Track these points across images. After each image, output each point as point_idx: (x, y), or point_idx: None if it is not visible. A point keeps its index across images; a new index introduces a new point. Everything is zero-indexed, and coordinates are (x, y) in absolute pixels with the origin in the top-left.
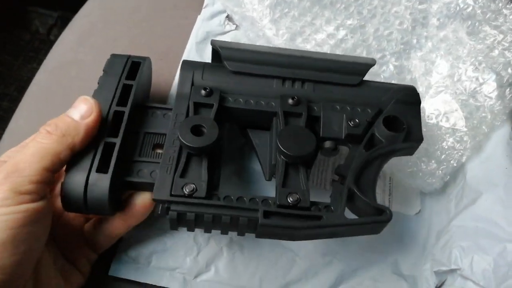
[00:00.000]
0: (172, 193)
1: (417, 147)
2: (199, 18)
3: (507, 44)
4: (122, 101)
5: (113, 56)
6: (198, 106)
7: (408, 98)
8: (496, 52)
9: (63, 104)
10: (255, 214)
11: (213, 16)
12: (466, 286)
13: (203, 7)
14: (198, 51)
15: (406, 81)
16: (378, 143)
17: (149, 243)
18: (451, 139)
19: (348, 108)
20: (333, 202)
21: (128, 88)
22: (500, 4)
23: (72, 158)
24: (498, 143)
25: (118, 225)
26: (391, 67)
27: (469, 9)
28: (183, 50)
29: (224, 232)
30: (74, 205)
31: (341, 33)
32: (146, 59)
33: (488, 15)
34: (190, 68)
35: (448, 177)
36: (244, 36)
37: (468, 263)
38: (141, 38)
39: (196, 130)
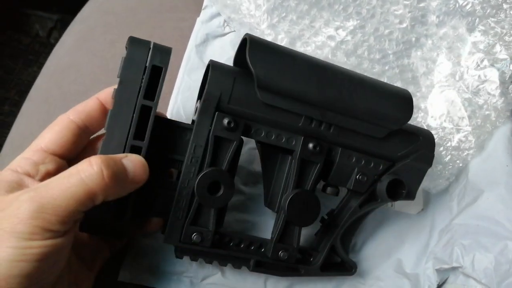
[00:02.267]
0: (182, 240)
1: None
2: (199, 20)
3: (508, 39)
4: (139, 128)
5: (131, 46)
6: (218, 140)
7: (421, 161)
8: (498, 48)
9: (64, 109)
10: (248, 262)
11: (213, 17)
12: (468, 284)
13: (203, 8)
14: (198, 53)
15: (408, 80)
16: (374, 199)
17: (157, 248)
18: (455, 139)
19: (363, 161)
20: (317, 245)
21: (147, 109)
22: None
23: None
24: (499, 140)
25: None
26: (394, 67)
27: (469, 6)
28: (183, 52)
29: (223, 265)
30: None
31: (341, 34)
32: (169, 54)
33: (488, 11)
34: (218, 83)
35: (454, 177)
36: None
37: (469, 261)
38: None
39: (213, 186)
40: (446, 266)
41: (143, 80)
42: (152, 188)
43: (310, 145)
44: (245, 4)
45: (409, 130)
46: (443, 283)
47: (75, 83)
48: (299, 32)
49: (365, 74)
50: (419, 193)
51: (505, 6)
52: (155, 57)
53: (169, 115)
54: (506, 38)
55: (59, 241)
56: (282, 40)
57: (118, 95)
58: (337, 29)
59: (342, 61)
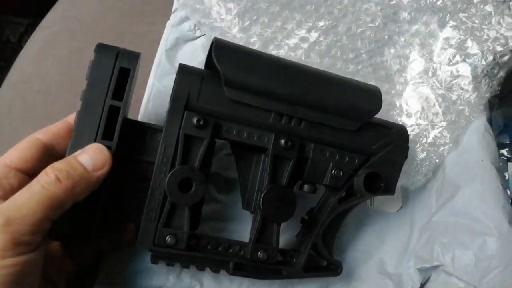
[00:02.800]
0: (155, 242)
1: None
2: (168, 23)
3: (479, 34)
4: (108, 129)
5: (99, 51)
6: (188, 138)
7: (396, 153)
8: (469, 43)
9: (27, 121)
10: (227, 265)
11: (183, 20)
12: (450, 282)
13: (172, 11)
14: (168, 58)
15: (382, 78)
16: (353, 194)
17: (132, 262)
18: (431, 136)
19: (337, 155)
20: (299, 246)
21: (116, 110)
22: None
23: None
24: (473, 135)
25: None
26: (367, 65)
27: (440, 2)
28: (152, 58)
29: (201, 269)
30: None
31: (314, 35)
32: (137, 58)
33: (458, 6)
34: (186, 82)
35: (431, 173)
36: None
37: (450, 259)
38: None
39: (184, 183)
40: (427, 265)
41: (111, 81)
42: (123, 191)
43: (282, 141)
44: (215, 8)
45: (382, 124)
46: (426, 282)
47: (39, 93)
48: (272, 35)
49: (339, 74)
50: (398, 191)
51: (475, 0)
52: (123, 59)
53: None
54: (477, 33)
55: (32, 256)
56: (254, 44)
57: (86, 96)
58: (309, 30)
59: (315, 62)
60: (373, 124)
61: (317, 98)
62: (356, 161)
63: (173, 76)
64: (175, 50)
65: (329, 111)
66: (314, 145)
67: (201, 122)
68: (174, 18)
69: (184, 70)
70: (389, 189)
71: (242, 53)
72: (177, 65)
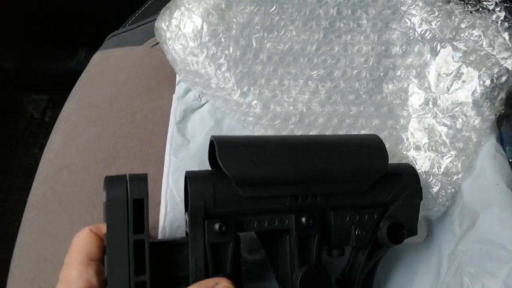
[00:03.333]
0: None
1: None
2: (174, 97)
3: (472, 59)
4: (138, 263)
5: (108, 186)
6: (215, 246)
7: (412, 198)
8: (464, 69)
9: (62, 212)
10: None
11: (188, 91)
12: None
13: (176, 83)
14: (179, 131)
15: (385, 115)
16: (379, 247)
17: None
18: (443, 166)
19: (357, 216)
20: None
21: (141, 243)
22: (457, 20)
23: None
24: (485, 159)
25: None
26: (369, 105)
27: (427, 33)
28: (165, 130)
29: None
30: None
31: (311, 85)
32: (145, 183)
33: (447, 34)
34: (200, 192)
35: (449, 201)
36: (219, 110)
37: None
38: (124, 128)
39: None
40: None
41: (129, 217)
42: None
43: (303, 220)
44: (213, 80)
45: (390, 171)
46: None
47: (68, 183)
48: (271, 94)
49: (343, 118)
50: (421, 221)
51: (463, 26)
52: (133, 190)
53: (163, 198)
54: (470, 57)
55: None
56: (256, 106)
57: (108, 239)
58: (306, 81)
59: (318, 111)
60: (383, 175)
61: (325, 172)
62: (376, 216)
63: (187, 148)
64: (185, 122)
65: (340, 180)
66: (334, 213)
67: (224, 228)
68: (178, 90)
69: (194, 179)
70: (412, 232)
71: (244, 149)
72: (189, 137)
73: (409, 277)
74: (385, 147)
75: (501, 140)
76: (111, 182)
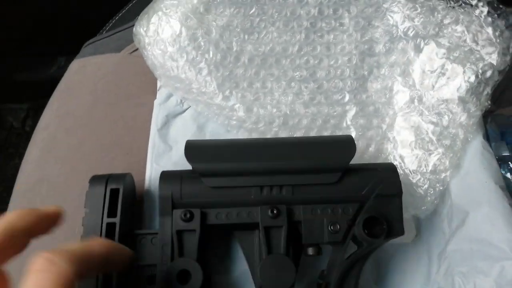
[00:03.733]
0: None
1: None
2: (156, 102)
3: (456, 55)
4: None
5: (92, 182)
6: (181, 233)
7: (389, 190)
8: (449, 65)
9: None
10: None
11: (169, 96)
12: None
13: (157, 89)
14: (161, 137)
15: (371, 114)
16: (359, 244)
17: None
18: (430, 164)
19: (329, 210)
20: None
21: (112, 226)
22: (440, 16)
23: None
24: (473, 156)
25: None
26: (353, 104)
27: (410, 30)
28: (148, 138)
29: None
30: None
31: (294, 87)
32: (123, 178)
33: (430, 30)
34: (167, 186)
35: (438, 199)
36: (202, 115)
37: None
38: (104, 137)
39: (182, 275)
40: None
41: (104, 203)
42: None
43: (269, 212)
44: (194, 84)
45: (365, 167)
46: None
47: (48, 197)
48: (253, 96)
49: (327, 118)
50: (410, 219)
51: (446, 22)
52: (112, 182)
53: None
54: (454, 53)
55: None
56: (239, 109)
57: (85, 221)
58: (289, 83)
59: (301, 112)
60: (355, 170)
61: (288, 162)
62: (350, 210)
63: (169, 154)
64: (167, 127)
65: (304, 171)
66: (303, 207)
67: (188, 215)
68: (160, 95)
69: (164, 177)
70: (396, 230)
71: (209, 145)
72: (171, 143)
73: (399, 276)
74: (353, 140)
75: (487, 137)
76: (96, 177)
